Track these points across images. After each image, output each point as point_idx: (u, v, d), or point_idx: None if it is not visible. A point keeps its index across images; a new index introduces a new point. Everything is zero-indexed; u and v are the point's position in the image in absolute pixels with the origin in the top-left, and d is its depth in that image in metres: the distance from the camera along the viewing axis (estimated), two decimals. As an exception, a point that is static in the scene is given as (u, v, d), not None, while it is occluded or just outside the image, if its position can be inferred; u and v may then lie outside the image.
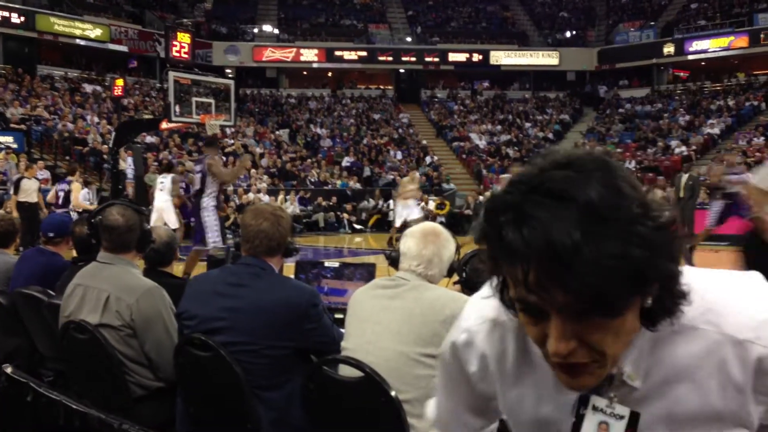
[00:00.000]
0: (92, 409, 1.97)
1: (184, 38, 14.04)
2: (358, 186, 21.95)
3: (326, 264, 3.43)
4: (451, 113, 29.33)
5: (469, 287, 2.63)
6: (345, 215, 19.70)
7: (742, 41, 26.62)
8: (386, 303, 2.34)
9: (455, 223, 19.58)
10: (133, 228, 2.84)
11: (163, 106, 13.80)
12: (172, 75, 12.49)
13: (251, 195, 18.38)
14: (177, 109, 12.40)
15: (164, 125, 13.51)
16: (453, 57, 30.36)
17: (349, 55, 30.33)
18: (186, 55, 13.95)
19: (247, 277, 2.53)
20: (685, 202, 15.40)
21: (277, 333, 2.41)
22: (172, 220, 11.71)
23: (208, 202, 8.24)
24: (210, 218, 8.21)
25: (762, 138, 21.69)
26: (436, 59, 30.46)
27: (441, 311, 2.26)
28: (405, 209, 13.25)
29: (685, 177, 15.67)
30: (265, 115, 28.33)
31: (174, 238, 3.55)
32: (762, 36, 26.01)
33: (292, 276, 3.41)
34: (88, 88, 24.51)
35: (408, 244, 2.41)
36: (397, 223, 13.22)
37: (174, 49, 13.80)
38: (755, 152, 20.32)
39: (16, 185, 12.25)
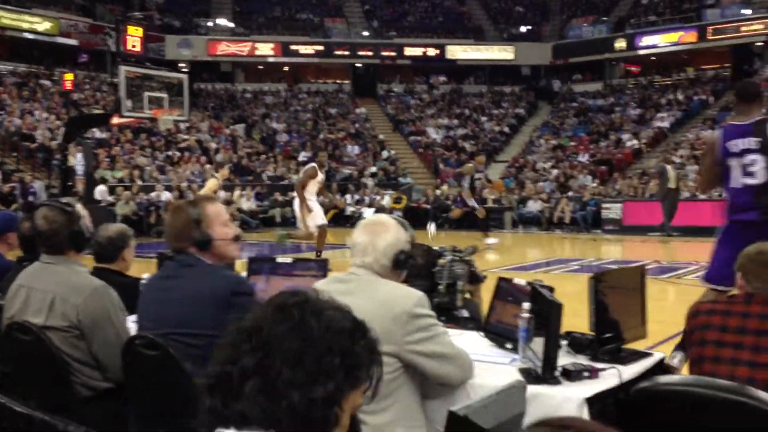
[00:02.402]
0: (37, 411, 1.93)
1: (135, 32, 13.78)
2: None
3: (278, 260, 3.41)
4: (407, 107, 29.39)
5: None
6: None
7: (690, 36, 27.23)
8: (339, 299, 2.33)
9: (412, 217, 19.66)
10: (57, 230, 2.75)
11: (115, 100, 13.53)
12: (123, 69, 12.27)
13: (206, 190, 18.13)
14: (129, 103, 12.17)
15: (115, 120, 13.27)
16: (409, 51, 30.41)
17: (305, 50, 30.14)
18: (138, 49, 13.70)
19: (179, 269, 2.53)
20: (675, 193, 15.76)
21: (202, 322, 2.40)
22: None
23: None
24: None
25: (710, 131, 22.23)
26: (393, 54, 30.46)
27: (392, 308, 2.26)
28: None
29: (670, 168, 16.00)
30: (220, 109, 27.99)
31: (123, 235, 3.48)
32: (710, 31, 26.64)
33: (245, 273, 3.38)
34: (37, 82, 23.87)
35: (352, 236, 2.42)
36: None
37: (125, 42, 13.54)
38: (701, 144, 20.83)
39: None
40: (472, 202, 14.43)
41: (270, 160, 23.44)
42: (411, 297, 2.31)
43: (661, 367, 2.80)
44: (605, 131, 25.02)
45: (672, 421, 2.25)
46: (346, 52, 30.36)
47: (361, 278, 2.35)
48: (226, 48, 29.56)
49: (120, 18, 17.97)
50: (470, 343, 2.93)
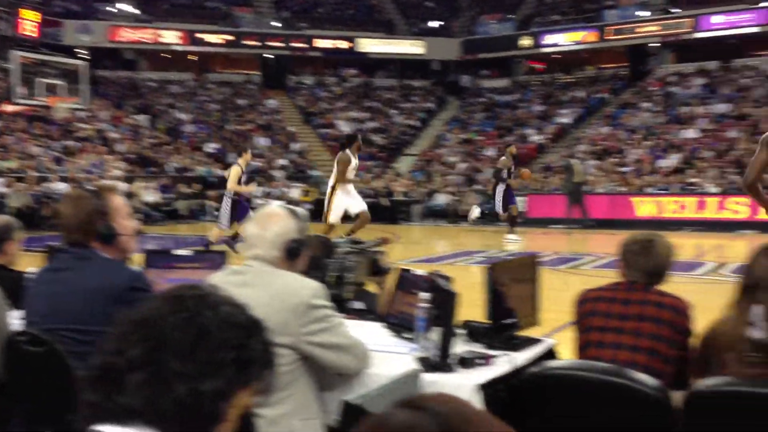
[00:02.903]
0: None
1: (31, 15, 13.14)
2: (222, 173, 21.44)
3: (176, 252, 3.33)
4: (318, 100, 29.25)
5: None
6: (208, 202, 19.21)
7: (592, 36, 28.28)
8: (235, 291, 2.28)
9: (321, 210, 19.60)
10: None
11: (6, 87, 12.84)
12: (16, 54, 11.65)
13: (107, 182, 17.51)
14: (22, 90, 11.58)
15: (7, 108, 12.59)
16: (320, 43, 30.23)
17: (213, 39, 29.45)
18: (33, 33, 13.06)
19: (73, 262, 2.44)
20: (580, 187, 16.23)
21: (96, 318, 2.32)
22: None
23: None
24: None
25: (608, 127, 23.21)
26: (304, 45, 30.20)
27: (289, 299, 2.25)
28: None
29: (576, 163, 16.46)
30: (122, 98, 26.98)
31: (5, 227, 3.31)
32: (609, 31, 27.76)
33: (142, 266, 3.29)
34: None
35: (244, 229, 2.42)
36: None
37: (19, 26, 12.88)
38: (601, 140, 21.73)
39: None
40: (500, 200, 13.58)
41: (175, 152, 22.82)
42: (308, 288, 2.31)
43: (552, 353, 2.92)
44: (511, 126, 25.70)
45: (559, 403, 2.35)
46: (256, 43, 29.87)
47: (257, 270, 2.33)
48: (128, 34, 28.48)
49: (13, 0, 17.02)
50: (370, 333, 2.96)
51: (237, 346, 1.08)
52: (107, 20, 28.48)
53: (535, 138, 24.20)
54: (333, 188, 10.38)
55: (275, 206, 2.49)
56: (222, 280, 2.34)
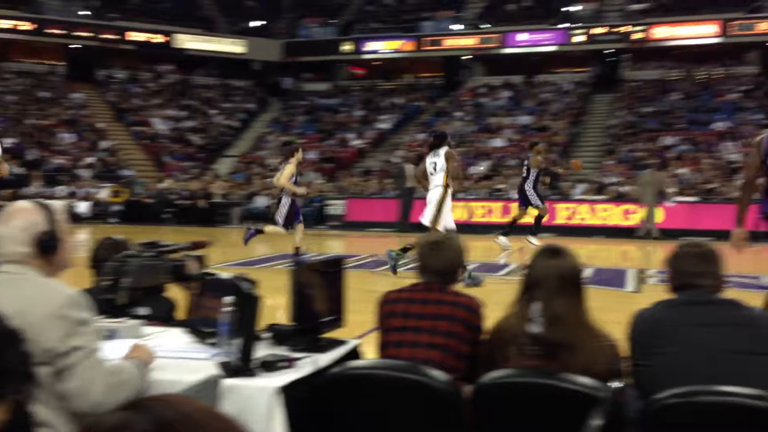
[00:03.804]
0: None
1: None
2: (20, 170, 19.74)
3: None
4: (131, 96, 27.82)
5: None
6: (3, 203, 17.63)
7: (409, 45, 29.36)
8: None
9: (134, 211, 18.71)
10: None
11: None
12: None
13: None
14: None
15: None
16: (133, 36, 28.76)
17: (12, 25, 27.00)
18: None
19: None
20: (411, 191, 16.42)
21: None
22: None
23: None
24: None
25: (424, 134, 24.22)
26: (115, 37, 28.57)
27: (37, 308, 2.03)
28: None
29: (408, 167, 16.60)
30: None
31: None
32: (426, 42, 28.98)
33: None
34: None
35: None
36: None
37: None
38: (418, 146, 22.61)
39: None
40: (535, 200, 12.31)
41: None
42: (59, 296, 2.09)
43: (357, 354, 2.99)
44: (332, 130, 26.02)
45: (359, 401, 2.41)
46: (61, 31, 27.80)
47: (9, 274, 2.12)
48: None
49: None
50: (170, 339, 2.87)
51: None
52: None
53: (356, 142, 24.68)
54: (445, 188, 8.89)
55: (21, 202, 2.28)
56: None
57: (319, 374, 2.52)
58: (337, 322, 3.01)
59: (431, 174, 8.89)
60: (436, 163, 8.85)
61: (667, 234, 14.21)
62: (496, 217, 17.39)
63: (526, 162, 12.47)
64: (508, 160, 20.70)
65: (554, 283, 2.52)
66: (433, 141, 9.26)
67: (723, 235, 14.59)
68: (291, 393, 2.37)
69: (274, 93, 30.70)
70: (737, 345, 2.37)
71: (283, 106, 29.66)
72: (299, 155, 10.59)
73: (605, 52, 27.53)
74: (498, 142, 22.31)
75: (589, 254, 13.20)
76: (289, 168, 10.34)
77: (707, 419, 2.09)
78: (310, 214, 18.54)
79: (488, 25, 28.97)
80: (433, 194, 8.83)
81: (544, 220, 12.77)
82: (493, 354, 2.56)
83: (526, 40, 27.64)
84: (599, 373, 2.32)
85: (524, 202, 12.40)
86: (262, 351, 2.63)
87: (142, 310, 3.16)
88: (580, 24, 27.09)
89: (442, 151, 8.86)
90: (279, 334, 2.83)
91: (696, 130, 21.18)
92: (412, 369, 2.34)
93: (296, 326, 2.76)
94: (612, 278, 9.44)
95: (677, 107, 23.24)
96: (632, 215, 16.09)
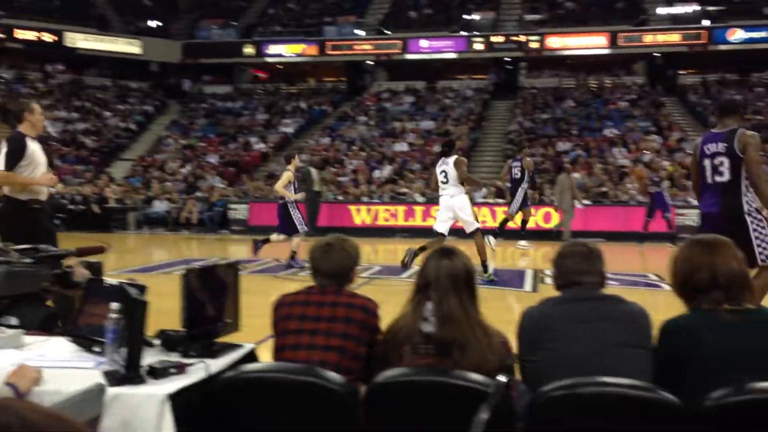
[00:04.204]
0: None
1: None
2: None
3: None
4: (19, 96, 26.36)
5: None
6: None
7: (312, 50, 29.29)
8: None
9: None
10: None
11: None
12: None
13: None
14: None
15: None
16: (21, 34, 27.35)
17: None
18: None
19: None
20: (317, 195, 16.07)
21: None
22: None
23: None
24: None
25: (328, 138, 24.20)
26: (2, 35, 27.08)
27: None
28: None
29: (314, 171, 16.28)
30: None
31: None
32: (329, 46, 28.98)
33: None
34: None
35: None
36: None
37: None
38: (322, 150, 22.59)
39: None
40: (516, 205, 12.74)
41: None
42: None
43: (253, 357, 2.94)
44: (234, 134, 25.58)
45: (254, 405, 2.37)
46: (-59, 28, 26.12)
47: None
48: None
49: None
50: (53, 349, 2.74)
51: None
52: None
53: (259, 146, 24.37)
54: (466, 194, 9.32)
55: None
56: None
57: (212, 380, 2.47)
58: (232, 326, 2.95)
59: (443, 183, 9.11)
60: (447, 172, 9.07)
61: (559, 236, 14.76)
62: (400, 221, 17.59)
63: (516, 165, 12.87)
64: (412, 164, 20.97)
65: (446, 282, 2.56)
66: (442, 149, 9.49)
67: (614, 237, 15.31)
68: (182, 400, 2.30)
69: (173, 95, 29.93)
70: (617, 338, 2.49)
71: (183, 108, 28.94)
72: (296, 162, 10.85)
73: (504, 60, 28.40)
74: (401, 147, 22.57)
75: (489, 256, 13.55)
76: (287, 175, 10.58)
77: (590, 410, 2.18)
78: (210, 219, 18.18)
79: (390, 32, 29.29)
80: (457, 201, 9.01)
81: (510, 224, 13.08)
82: (388, 354, 2.57)
83: (427, 47, 28.13)
84: (491, 370, 2.37)
85: (522, 203, 12.79)
86: (152, 358, 2.55)
87: (13, 320, 2.99)
88: (479, 33, 27.82)
89: (451, 159, 9.05)
90: (170, 340, 2.75)
91: (588, 137, 22.14)
92: (306, 371, 2.32)
93: (188, 332, 2.69)
94: (511, 279, 9.72)
95: (571, 114, 24.23)
96: (532, 218, 16.64)
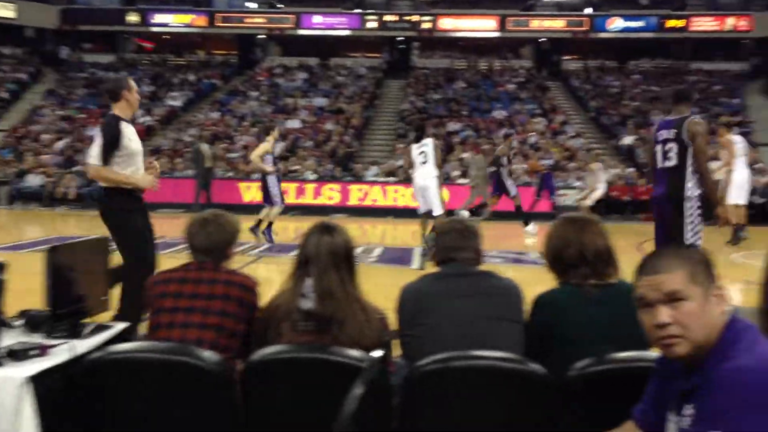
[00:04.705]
0: None
1: None
2: None
3: None
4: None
5: None
6: None
7: (201, 20, 28.35)
8: None
9: None
10: None
11: None
12: None
13: None
14: None
15: None
16: None
17: None
18: None
19: None
20: (209, 171, 15.50)
21: None
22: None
23: None
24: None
25: (218, 113, 23.57)
26: None
27: None
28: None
29: (205, 147, 15.70)
30: None
31: None
32: (219, 18, 28.14)
33: None
34: None
35: None
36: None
37: None
38: (211, 125, 21.97)
39: None
40: (514, 190, 12.73)
41: None
42: None
43: (125, 336, 2.82)
44: (116, 105, 24.40)
45: (123, 386, 2.28)
46: None
47: None
48: None
49: None
50: None
51: None
52: None
53: (144, 119, 23.41)
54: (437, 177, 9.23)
55: None
56: None
57: (78, 361, 2.35)
58: (102, 305, 2.82)
59: (422, 164, 9.13)
60: (426, 153, 9.14)
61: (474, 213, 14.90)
62: (291, 198, 17.40)
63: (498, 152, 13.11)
64: (304, 141, 20.78)
65: (326, 259, 2.54)
66: (416, 132, 9.64)
67: (502, 216, 15.71)
68: (42, 382, 2.18)
69: (50, 63, 28.21)
70: (491, 312, 2.56)
71: (61, 77, 27.35)
72: (276, 133, 10.55)
73: (397, 39, 28.55)
74: (294, 124, 22.30)
75: (380, 234, 13.70)
76: (264, 146, 10.22)
77: (464, 382, 2.23)
78: (90, 195, 17.35)
79: (282, 6, 28.79)
80: (431, 182, 9.10)
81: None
82: (266, 331, 2.53)
83: (321, 23, 27.85)
84: (369, 346, 2.38)
85: (499, 189, 12.87)
86: (12, 339, 2.40)
87: None
88: (372, 11, 27.79)
89: (429, 141, 9.25)
90: (33, 321, 2.60)
91: (478, 117, 22.67)
92: (179, 350, 2.25)
93: (52, 311, 2.55)
94: (400, 257, 9.85)
95: (462, 95, 24.70)
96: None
